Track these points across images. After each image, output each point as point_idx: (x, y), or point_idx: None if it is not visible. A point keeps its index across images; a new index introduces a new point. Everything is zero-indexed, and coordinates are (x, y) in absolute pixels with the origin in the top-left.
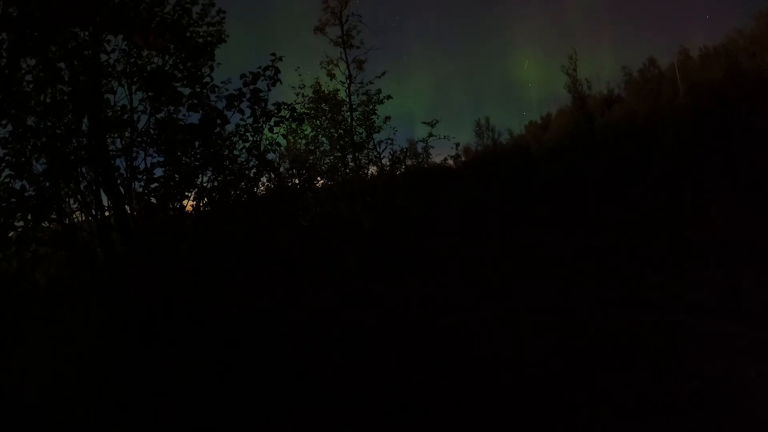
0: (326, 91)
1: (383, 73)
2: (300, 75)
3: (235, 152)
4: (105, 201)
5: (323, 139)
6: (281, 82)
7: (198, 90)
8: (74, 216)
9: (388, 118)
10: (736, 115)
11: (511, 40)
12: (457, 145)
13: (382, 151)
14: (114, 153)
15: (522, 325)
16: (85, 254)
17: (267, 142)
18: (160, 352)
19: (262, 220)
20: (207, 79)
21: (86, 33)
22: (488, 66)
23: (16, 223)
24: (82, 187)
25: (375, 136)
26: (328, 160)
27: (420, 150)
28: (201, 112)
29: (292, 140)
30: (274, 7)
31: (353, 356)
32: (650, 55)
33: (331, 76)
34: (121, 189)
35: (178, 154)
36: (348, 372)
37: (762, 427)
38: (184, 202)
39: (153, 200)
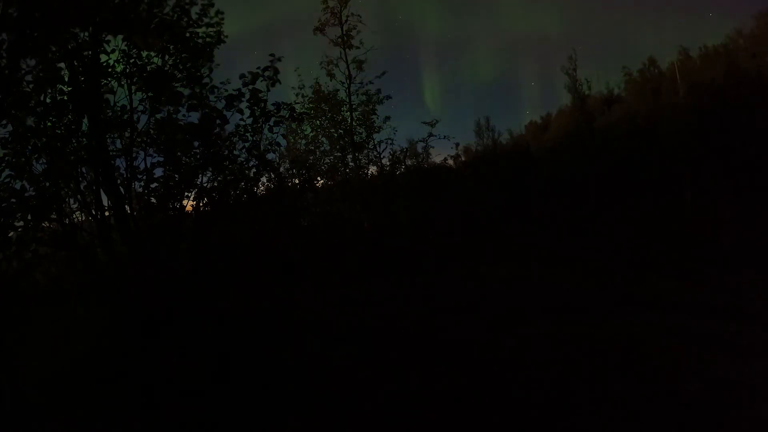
0: (326, 91)
1: (383, 73)
2: (300, 75)
3: (235, 152)
4: (105, 201)
5: (323, 139)
6: (280, 83)
7: (197, 90)
8: (74, 216)
9: (388, 118)
10: (736, 115)
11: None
12: (457, 144)
13: (382, 151)
14: (114, 153)
15: (522, 326)
16: (85, 254)
17: (267, 142)
18: (160, 353)
19: (262, 220)
20: (206, 80)
21: (86, 33)
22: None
23: (16, 223)
24: (82, 187)
25: (375, 136)
26: (328, 160)
27: (420, 150)
28: (200, 112)
29: (292, 140)
30: (273, 7)
31: (353, 356)
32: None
33: (331, 76)
34: (121, 189)
35: (178, 154)
36: (348, 372)
37: (763, 427)
38: (184, 202)
39: (153, 200)
